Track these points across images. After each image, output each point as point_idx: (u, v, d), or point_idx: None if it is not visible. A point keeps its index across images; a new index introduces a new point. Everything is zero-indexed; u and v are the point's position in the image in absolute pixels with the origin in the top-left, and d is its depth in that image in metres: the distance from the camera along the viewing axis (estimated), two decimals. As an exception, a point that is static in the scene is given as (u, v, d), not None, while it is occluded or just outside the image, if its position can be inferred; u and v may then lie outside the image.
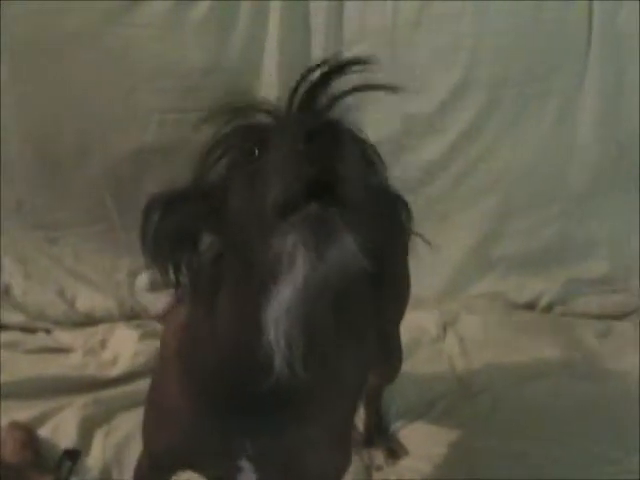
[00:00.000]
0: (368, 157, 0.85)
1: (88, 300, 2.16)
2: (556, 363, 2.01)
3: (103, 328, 2.09)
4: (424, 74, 2.21)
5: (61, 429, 1.67)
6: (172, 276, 0.89)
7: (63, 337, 2.05)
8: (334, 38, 2.18)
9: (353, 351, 0.98)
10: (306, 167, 0.71)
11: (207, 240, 0.89)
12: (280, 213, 0.73)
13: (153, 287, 2.15)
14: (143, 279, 2.17)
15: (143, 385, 1.81)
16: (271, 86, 2.14)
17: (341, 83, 0.81)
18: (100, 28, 2.04)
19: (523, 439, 1.70)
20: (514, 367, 1.97)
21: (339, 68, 0.81)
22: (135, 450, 1.61)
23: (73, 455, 1.57)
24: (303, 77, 0.80)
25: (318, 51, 2.19)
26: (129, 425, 1.70)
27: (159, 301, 2.16)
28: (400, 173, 0.93)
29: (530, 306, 2.35)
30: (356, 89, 0.82)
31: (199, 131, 0.84)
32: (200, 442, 1.01)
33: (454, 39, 2.23)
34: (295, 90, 0.81)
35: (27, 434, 1.59)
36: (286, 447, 0.99)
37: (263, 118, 0.83)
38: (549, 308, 2.34)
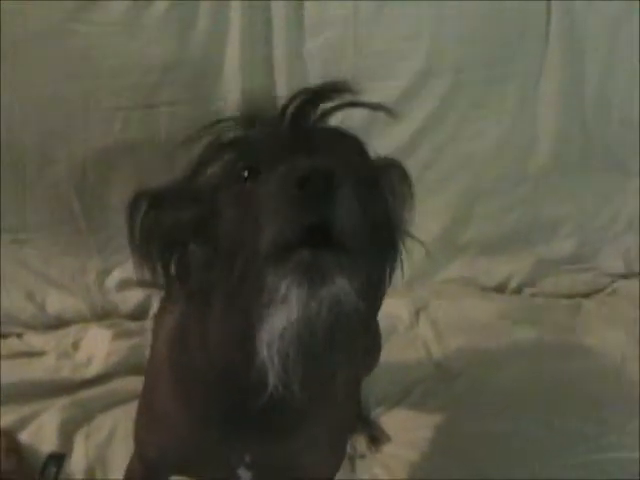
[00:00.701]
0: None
1: (58, 302, 2.12)
2: (530, 344, 2.03)
3: (75, 329, 2.06)
4: (386, 62, 2.21)
5: (42, 433, 1.65)
6: (161, 276, 0.87)
7: (35, 340, 2.03)
8: (296, 28, 2.16)
9: (350, 359, 0.96)
10: (300, 213, 0.70)
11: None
12: (273, 257, 0.72)
13: (124, 285, 2.14)
14: (114, 278, 2.15)
15: (119, 385, 1.84)
16: (234, 74, 2.13)
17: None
18: (60, 27, 2.00)
19: (503, 420, 1.71)
20: (489, 350, 1.99)
21: (330, 91, 0.81)
22: (118, 450, 1.62)
23: (58, 459, 1.56)
24: (297, 94, 0.81)
25: (279, 41, 2.17)
26: (109, 425, 1.70)
27: (130, 299, 2.15)
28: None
29: (500, 289, 2.37)
30: (344, 105, 0.82)
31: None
32: (195, 450, 1.00)
33: (415, 26, 2.22)
34: (287, 105, 0.81)
35: (10, 440, 1.58)
36: (286, 455, 0.98)
37: (254, 130, 0.83)
38: (519, 290, 2.37)
